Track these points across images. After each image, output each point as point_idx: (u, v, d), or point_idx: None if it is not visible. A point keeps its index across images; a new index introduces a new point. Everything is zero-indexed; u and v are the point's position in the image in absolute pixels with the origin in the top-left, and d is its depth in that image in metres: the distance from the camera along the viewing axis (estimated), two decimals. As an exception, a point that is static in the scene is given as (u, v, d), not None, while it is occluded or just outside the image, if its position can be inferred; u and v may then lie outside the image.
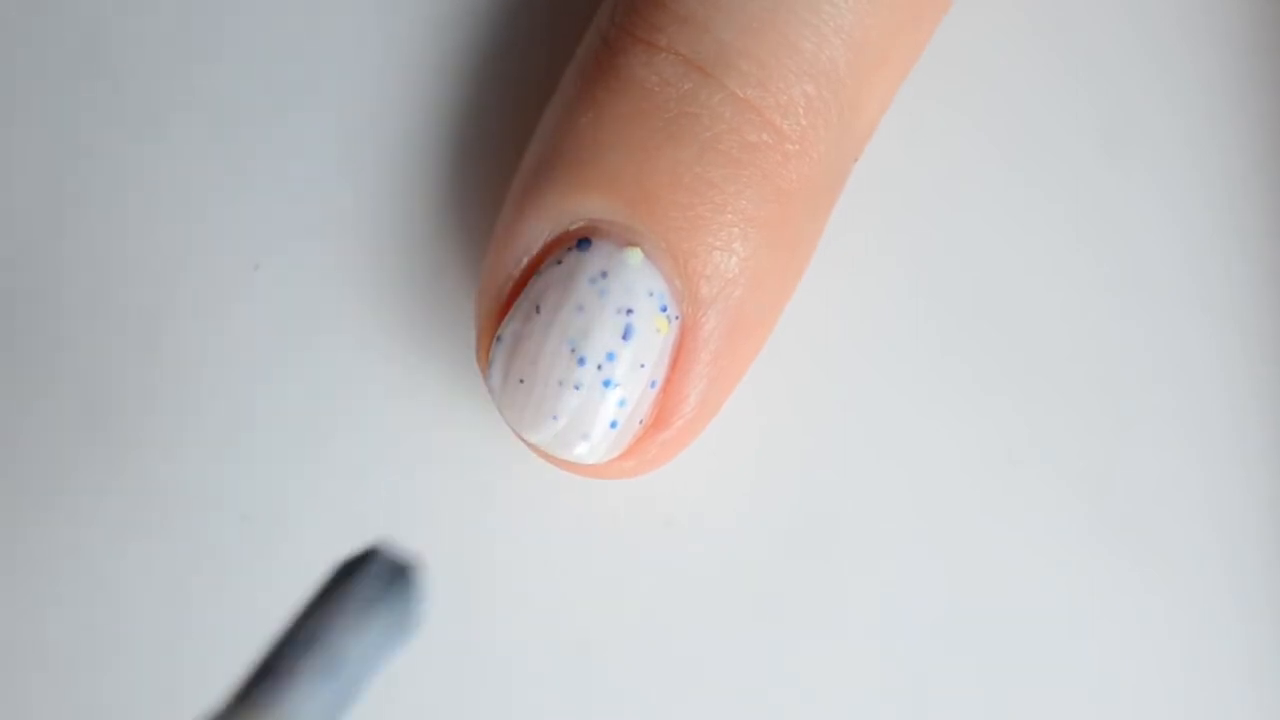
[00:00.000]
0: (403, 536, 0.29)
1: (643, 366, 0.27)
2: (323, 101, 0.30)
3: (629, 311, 0.26)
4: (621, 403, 0.27)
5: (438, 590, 0.29)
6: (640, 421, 0.27)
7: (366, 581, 0.21)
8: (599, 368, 0.26)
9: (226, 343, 0.29)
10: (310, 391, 0.29)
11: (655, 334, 0.27)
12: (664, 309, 0.27)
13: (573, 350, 0.26)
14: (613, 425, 0.27)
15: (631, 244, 0.27)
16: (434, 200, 0.30)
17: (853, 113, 0.27)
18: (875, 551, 0.29)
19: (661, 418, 0.27)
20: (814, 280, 0.29)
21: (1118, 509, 0.29)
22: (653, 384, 0.27)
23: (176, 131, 0.30)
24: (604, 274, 0.27)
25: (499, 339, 0.27)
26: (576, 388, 0.26)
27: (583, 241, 0.27)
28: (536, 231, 0.27)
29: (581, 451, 0.27)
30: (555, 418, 0.27)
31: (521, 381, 0.27)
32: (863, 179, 0.29)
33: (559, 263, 0.27)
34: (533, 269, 0.27)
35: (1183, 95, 0.30)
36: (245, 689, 0.20)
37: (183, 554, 0.29)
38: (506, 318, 0.27)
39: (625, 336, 0.26)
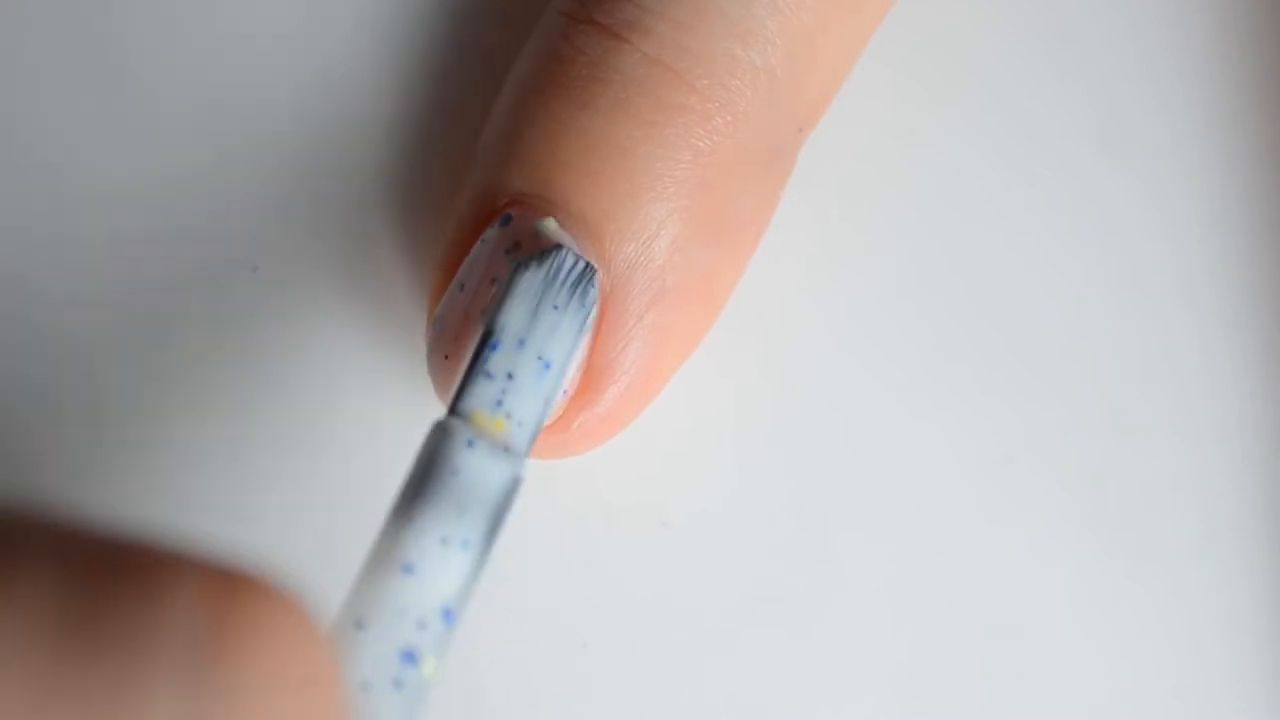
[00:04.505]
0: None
1: None
2: (322, 103, 0.30)
3: None
4: None
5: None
6: (564, 392, 0.26)
7: (559, 288, 0.25)
8: None
9: (225, 344, 0.29)
10: (310, 391, 0.29)
11: None
12: None
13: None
14: None
15: (545, 215, 0.26)
16: (435, 200, 0.30)
17: (789, 79, 0.27)
18: (872, 551, 0.29)
19: (587, 390, 0.27)
20: (808, 280, 0.29)
21: (1113, 507, 0.29)
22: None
23: (175, 134, 0.30)
24: (518, 245, 0.26)
25: (434, 319, 0.27)
26: None
27: (505, 217, 0.27)
28: (468, 212, 0.27)
29: None
30: None
31: (446, 358, 0.27)
32: (857, 177, 0.29)
33: (484, 241, 0.27)
34: (467, 248, 0.27)
35: (1179, 94, 0.30)
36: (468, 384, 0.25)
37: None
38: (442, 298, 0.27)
39: None
